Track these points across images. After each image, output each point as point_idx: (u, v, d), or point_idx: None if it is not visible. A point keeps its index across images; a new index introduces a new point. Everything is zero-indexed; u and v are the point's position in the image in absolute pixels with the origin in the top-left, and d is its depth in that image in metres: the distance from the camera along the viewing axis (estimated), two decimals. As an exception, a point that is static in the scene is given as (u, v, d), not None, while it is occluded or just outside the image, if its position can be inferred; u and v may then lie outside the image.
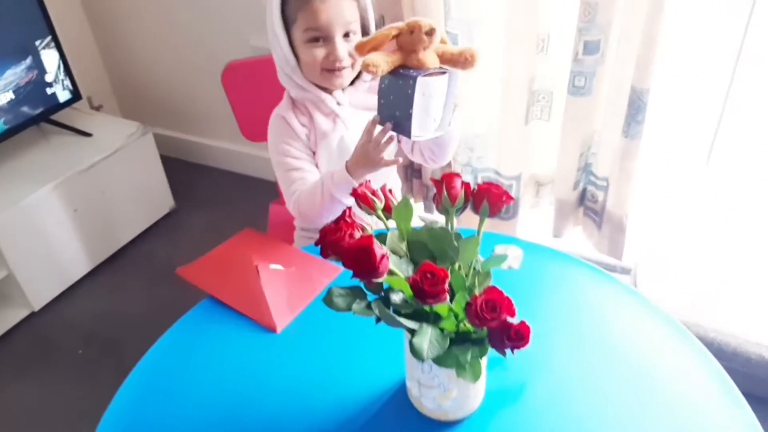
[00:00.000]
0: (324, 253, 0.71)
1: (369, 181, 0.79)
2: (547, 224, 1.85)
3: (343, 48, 1.10)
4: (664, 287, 1.28)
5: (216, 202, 2.36)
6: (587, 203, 1.79)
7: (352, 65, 1.13)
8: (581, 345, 0.93)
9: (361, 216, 0.79)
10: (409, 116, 0.89)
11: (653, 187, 1.76)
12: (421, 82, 0.87)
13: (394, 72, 0.89)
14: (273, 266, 1.08)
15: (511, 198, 0.77)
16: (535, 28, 1.53)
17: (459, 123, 1.12)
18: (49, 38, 1.94)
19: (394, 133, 0.98)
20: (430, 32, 0.87)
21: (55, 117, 2.07)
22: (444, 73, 0.91)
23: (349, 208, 0.73)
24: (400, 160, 1.07)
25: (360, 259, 0.64)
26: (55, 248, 1.91)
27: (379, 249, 0.64)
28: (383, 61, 0.87)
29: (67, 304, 1.97)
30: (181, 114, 2.52)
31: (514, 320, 0.61)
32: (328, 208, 1.10)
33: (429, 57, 0.89)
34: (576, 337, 0.94)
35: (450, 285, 0.76)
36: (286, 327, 0.99)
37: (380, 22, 1.68)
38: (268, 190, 1.39)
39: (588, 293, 1.04)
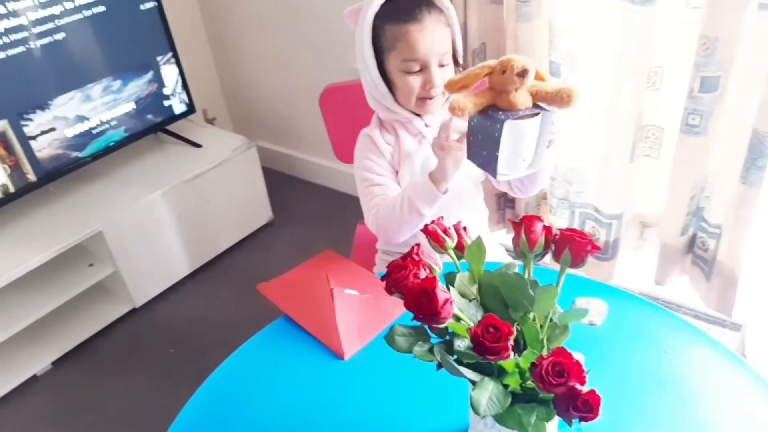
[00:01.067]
0: (388, 290, 0.69)
1: (441, 218, 0.76)
2: (650, 270, 1.73)
3: (439, 77, 1.09)
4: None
5: (312, 217, 2.41)
6: (696, 251, 1.65)
7: (444, 92, 1.12)
8: (671, 419, 0.84)
9: (430, 254, 0.76)
10: (496, 158, 0.87)
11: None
12: (509, 126, 0.84)
13: (483, 111, 0.86)
14: (348, 291, 1.07)
15: (597, 248, 0.72)
16: (647, 60, 1.43)
17: (551, 157, 1.06)
18: (170, 54, 2.08)
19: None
20: (523, 73, 0.83)
21: (170, 127, 2.21)
22: (537, 114, 0.87)
23: (418, 245, 0.71)
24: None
25: (421, 301, 0.61)
26: (158, 250, 2.03)
27: (443, 293, 0.61)
28: (470, 103, 0.85)
29: (165, 304, 2.08)
30: (286, 129, 2.61)
31: (584, 388, 0.56)
32: (408, 221, 1.09)
33: (521, 97, 0.85)
34: (665, 409, 0.85)
35: (522, 336, 0.71)
36: (354, 355, 0.98)
37: (482, 50, 1.65)
38: (361, 210, 1.43)
39: (685, 358, 0.94)
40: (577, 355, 0.73)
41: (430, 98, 1.11)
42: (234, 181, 2.19)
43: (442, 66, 1.10)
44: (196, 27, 2.55)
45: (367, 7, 1.09)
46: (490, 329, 0.57)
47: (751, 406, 0.86)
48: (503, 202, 1.90)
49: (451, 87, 0.88)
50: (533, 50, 1.55)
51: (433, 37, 1.07)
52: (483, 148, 0.89)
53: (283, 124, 2.61)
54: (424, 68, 1.09)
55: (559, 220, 1.78)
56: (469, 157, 0.94)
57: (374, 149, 1.18)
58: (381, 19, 1.09)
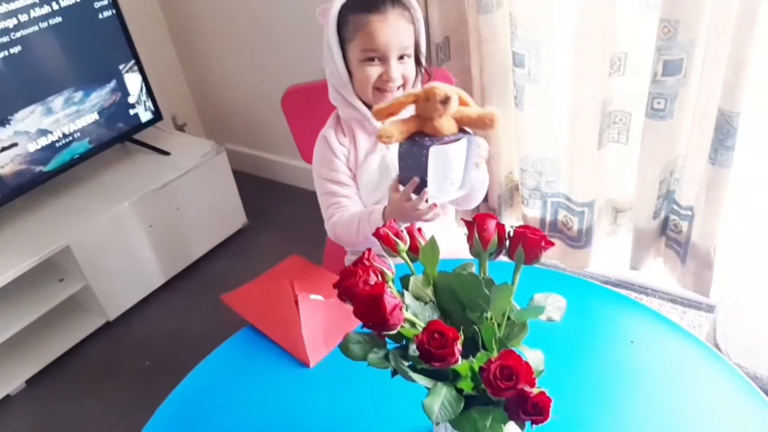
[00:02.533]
0: (340, 297, 0.67)
1: (394, 219, 0.75)
2: (626, 255, 1.72)
3: (397, 69, 1.09)
4: (751, 332, 1.14)
5: (286, 220, 2.39)
6: (669, 233, 1.65)
7: (404, 87, 1.13)
8: (638, 411, 0.83)
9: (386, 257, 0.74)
10: (425, 182, 0.93)
11: (744, 219, 1.59)
12: (435, 152, 0.89)
13: (411, 138, 0.91)
14: (314, 296, 1.05)
15: (550, 243, 0.70)
16: (609, 46, 1.42)
17: (485, 176, 1.15)
18: (132, 62, 2.04)
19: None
20: (445, 100, 0.88)
21: (138, 136, 2.17)
22: (461, 138, 0.92)
23: (369, 250, 0.69)
24: (439, 212, 1.04)
25: (370, 309, 0.59)
26: (129, 262, 2.00)
27: (391, 299, 0.59)
28: (396, 130, 0.90)
29: (140, 316, 2.04)
30: (257, 132, 2.58)
31: (534, 390, 0.54)
32: (362, 242, 1.12)
33: (445, 123, 0.90)
34: (631, 401, 0.84)
35: (480, 337, 0.70)
36: (320, 362, 0.96)
37: (445, 44, 1.63)
38: None
39: (652, 348, 0.93)
40: (536, 353, 0.71)
41: (387, 91, 1.11)
42: (205, 188, 2.16)
43: (401, 59, 1.10)
44: (161, 32, 2.50)
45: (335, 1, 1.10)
46: (435, 335, 0.55)
47: (720, 395, 0.85)
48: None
49: (379, 115, 0.93)
50: (496, 42, 1.54)
51: (394, 30, 1.07)
52: (413, 172, 0.94)
53: (254, 127, 2.58)
54: (383, 60, 1.09)
55: (531, 210, 1.77)
56: (401, 181, 0.99)
57: (328, 152, 1.18)
58: (346, 10, 1.09)
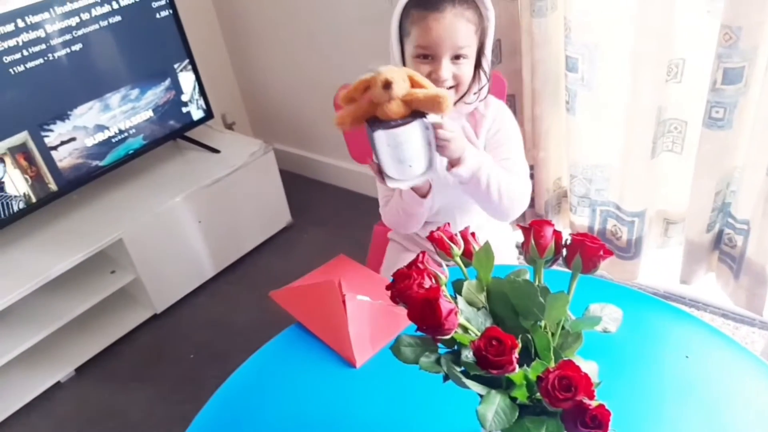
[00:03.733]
0: (393, 299, 0.67)
1: (448, 224, 0.74)
2: (676, 268, 1.68)
3: (447, 69, 1.08)
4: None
5: (330, 219, 2.41)
6: (723, 248, 1.60)
7: (456, 88, 1.11)
8: (693, 427, 0.81)
9: (439, 261, 0.74)
10: (380, 165, 0.96)
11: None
12: (380, 135, 0.91)
13: (368, 122, 0.93)
14: (360, 297, 1.06)
15: (609, 253, 0.69)
16: (666, 53, 1.39)
17: (523, 190, 1.15)
18: (186, 61, 2.09)
19: None
20: (386, 85, 0.89)
21: (189, 133, 2.22)
22: (409, 122, 0.92)
23: (423, 252, 0.69)
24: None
25: (425, 312, 0.59)
26: (178, 256, 2.04)
27: (447, 303, 0.59)
28: (349, 117, 0.93)
29: (187, 309, 2.09)
30: (304, 132, 2.61)
31: (593, 402, 0.53)
32: (405, 221, 1.19)
33: (394, 107, 0.91)
34: (686, 417, 0.82)
35: (534, 345, 0.69)
36: (366, 362, 0.96)
37: (497, 46, 1.62)
38: (377, 210, 1.43)
39: (707, 363, 0.90)
40: (591, 364, 0.70)
41: None
42: (252, 186, 2.19)
43: (456, 59, 1.08)
44: (214, 33, 2.56)
45: None
46: (493, 342, 0.55)
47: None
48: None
49: (342, 100, 0.95)
50: (549, 45, 1.52)
51: (449, 29, 1.05)
52: (375, 157, 0.97)
53: (301, 127, 2.61)
54: (435, 58, 1.08)
55: (579, 218, 1.74)
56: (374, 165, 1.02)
57: None
58: (410, 5, 1.09)
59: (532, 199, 1.85)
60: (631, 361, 0.88)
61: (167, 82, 2.06)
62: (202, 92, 2.17)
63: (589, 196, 1.68)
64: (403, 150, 0.94)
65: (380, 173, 1.00)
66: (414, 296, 0.62)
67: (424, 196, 1.12)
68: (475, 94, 1.15)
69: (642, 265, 1.71)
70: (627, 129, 1.51)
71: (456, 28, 1.06)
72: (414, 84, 0.93)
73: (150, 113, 2.04)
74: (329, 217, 2.43)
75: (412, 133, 0.93)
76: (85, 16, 1.81)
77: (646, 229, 1.64)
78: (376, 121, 0.92)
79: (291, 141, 2.68)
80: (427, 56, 1.08)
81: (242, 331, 1.96)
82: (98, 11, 1.84)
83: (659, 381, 0.87)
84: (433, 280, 0.66)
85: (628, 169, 1.56)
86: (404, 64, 1.12)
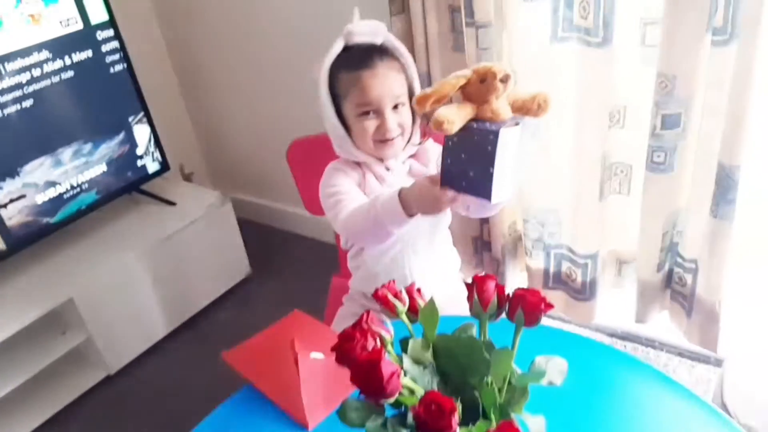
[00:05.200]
0: (338, 361, 0.67)
1: (394, 281, 0.74)
2: (631, 307, 1.70)
3: (393, 120, 1.11)
4: (760, 391, 1.12)
5: (291, 269, 2.39)
6: (674, 286, 1.63)
7: (402, 134, 1.14)
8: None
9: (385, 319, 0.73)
10: (490, 176, 0.77)
11: (749, 273, 1.57)
12: (504, 136, 0.76)
13: (464, 127, 0.79)
14: (314, 354, 1.04)
15: (550, 306, 0.70)
16: (608, 100, 1.45)
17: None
18: (141, 114, 2.08)
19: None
20: (506, 78, 0.78)
21: (145, 186, 2.19)
22: (517, 124, 0.80)
23: (368, 312, 0.69)
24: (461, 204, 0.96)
25: (367, 376, 0.58)
26: (133, 313, 1.99)
27: (389, 366, 0.59)
28: (456, 116, 0.78)
29: (141, 370, 2.02)
30: (264, 181, 2.61)
31: (533, 463, 0.53)
32: (373, 231, 1.05)
33: (503, 107, 0.79)
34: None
35: (481, 402, 0.69)
36: (320, 423, 0.94)
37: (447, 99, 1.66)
38: (337, 261, 1.42)
39: (658, 411, 0.90)
40: (538, 419, 0.70)
41: (388, 140, 1.12)
42: (209, 238, 2.17)
43: (396, 108, 1.11)
44: (169, 83, 2.56)
45: (325, 57, 1.13)
46: (432, 407, 0.55)
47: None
48: (480, 246, 1.89)
49: (422, 103, 0.82)
50: (496, 96, 1.56)
51: (385, 81, 1.09)
52: (470, 167, 0.80)
53: (261, 176, 2.61)
54: (377, 112, 1.10)
55: (535, 261, 1.77)
56: (445, 183, 0.85)
57: (341, 174, 1.17)
58: (337, 68, 1.12)
59: (489, 244, 1.87)
60: (580, 412, 0.88)
61: (121, 135, 2.05)
62: (158, 144, 2.16)
63: (542, 239, 1.71)
64: (508, 157, 0.80)
65: (463, 188, 0.85)
66: (356, 358, 0.61)
67: (411, 214, 1.00)
68: (423, 134, 1.18)
69: (598, 306, 1.73)
70: (574, 173, 1.55)
71: (391, 79, 1.10)
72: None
73: (104, 167, 2.02)
74: (289, 265, 2.41)
75: (518, 139, 0.80)
76: (36, 72, 1.80)
77: (599, 270, 1.67)
78: (481, 121, 0.80)
79: (250, 189, 2.67)
80: (369, 112, 1.10)
81: (200, 391, 1.88)
82: (50, 67, 1.83)
83: (610, 430, 0.87)
84: (377, 341, 0.66)
85: (578, 213, 1.60)
86: (344, 125, 1.13)
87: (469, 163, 0.80)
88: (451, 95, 0.82)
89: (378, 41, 1.12)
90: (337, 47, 1.12)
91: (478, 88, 0.81)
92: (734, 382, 1.14)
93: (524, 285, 1.82)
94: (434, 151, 1.21)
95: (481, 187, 0.80)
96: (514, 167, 0.82)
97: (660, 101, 1.36)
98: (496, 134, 0.76)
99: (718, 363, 1.67)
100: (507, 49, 1.52)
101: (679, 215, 1.53)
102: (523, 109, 0.82)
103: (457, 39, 1.61)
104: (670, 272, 1.62)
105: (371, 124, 1.11)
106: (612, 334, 1.84)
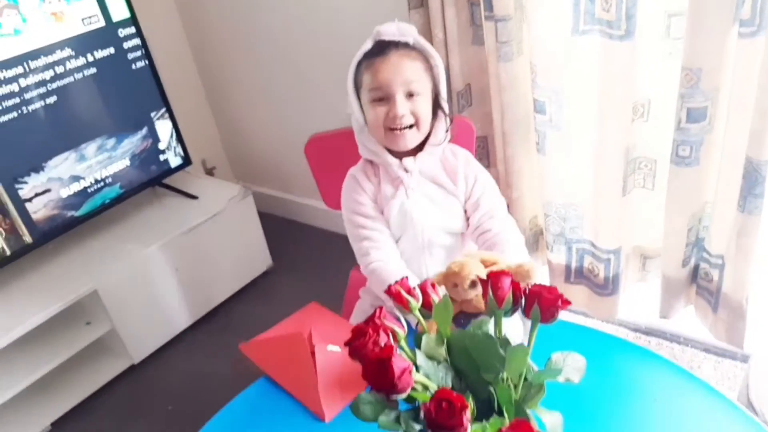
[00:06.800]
0: (351, 356, 0.66)
1: (406, 277, 0.74)
2: (655, 302, 1.68)
3: (403, 106, 1.09)
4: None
5: (311, 262, 2.39)
6: (700, 282, 1.60)
7: (417, 126, 1.12)
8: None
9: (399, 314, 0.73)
10: None
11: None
12: None
13: (455, 320, 0.84)
14: (331, 347, 1.04)
15: (567, 302, 0.69)
16: (632, 93, 1.42)
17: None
18: (163, 110, 2.10)
19: None
20: (473, 284, 0.85)
21: (168, 180, 2.22)
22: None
23: (380, 308, 0.68)
24: None
25: (378, 372, 0.58)
26: (155, 305, 2.02)
27: (400, 362, 0.58)
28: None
29: (164, 360, 2.05)
30: (285, 175, 2.62)
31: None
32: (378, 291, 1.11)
33: (480, 299, 0.84)
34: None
35: (496, 398, 0.68)
36: (336, 416, 0.95)
37: (466, 91, 1.65)
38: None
39: (675, 407, 0.89)
40: (554, 415, 0.69)
41: (398, 129, 1.11)
42: (231, 231, 2.18)
43: (411, 96, 1.10)
44: (192, 79, 2.58)
45: (357, 53, 1.14)
46: (443, 404, 0.54)
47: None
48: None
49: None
50: (516, 88, 1.55)
51: (396, 66, 1.09)
52: None
53: (282, 170, 2.62)
54: (388, 97, 1.10)
55: (557, 256, 1.75)
56: None
57: (358, 188, 1.19)
58: (360, 62, 1.13)
59: (510, 238, 1.85)
60: (597, 409, 0.87)
61: (144, 130, 2.07)
62: (180, 139, 2.18)
63: (564, 234, 1.69)
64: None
65: None
66: (368, 355, 0.61)
67: None
68: (447, 132, 1.17)
69: (621, 301, 1.70)
70: (597, 167, 1.53)
71: (403, 65, 1.09)
72: (486, 264, 0.90)
73: (127, 162, 2.04)
74: (310, 259, 2.42)
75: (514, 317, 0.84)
76: (59, 69, 1.83)
77: (622, 266, 1.64)
78: (468, 315, 0.87)
79: (272, 183, 2.68)
80: (382, 99, 1.10)
81: (221, 381, 1.91)
82: (73, 64, 1.85)
83: (627, 427, 0.86)
84: (390, 337, 0.65)
85: (601, 207, 1.57)
86: (363, 114, 1.15)
87: None
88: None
89: (407, 42, 1.12)
90: (367, 46, 1.13)
91: (455, 291, 0.87)
92: (760, 378, 1.11)
93: (545, 280, 1.80)
94: (464, 168, 1.18)
95: None
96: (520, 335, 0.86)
97: (685, 94, 1.33)
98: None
99: (745, 359, 1.63)
100: (527, 42, 1.50)
101: (704, 210, 1.49)
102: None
103: (477, 33, 1.59)
104: (696, 267, 1.58)
105: (382, 110, 1.10)
106: (636, 329, 1.81)
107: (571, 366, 0.70)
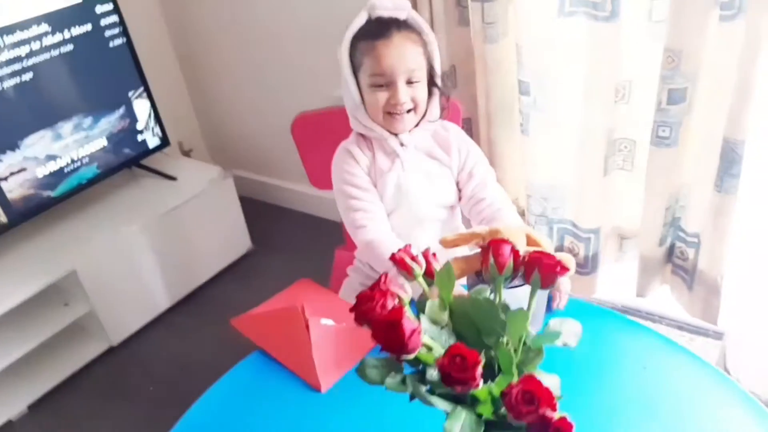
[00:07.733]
0: (357, 321, 0.67)
1: (409, 245, 0.75)
2: (632, 282, 1.72)
3: (405, 93, 1.11)
4: (762, 359, 1.14)
5: (292, 245, 2.39)
6: (676, 260, 1.65)
7: (415, 110, 1.14)
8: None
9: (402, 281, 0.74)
10: None
11: (752, 246, 1.59)
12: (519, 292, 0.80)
13: (479, 274, 0.84)
14: (324, 321, 1.05)
15: (566, 269, 0.71)
16: (615, 75, 1.45)
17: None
18: (141, 89, 2.07)
19: None
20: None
21: (145, 161, 2.18)
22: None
23: (386, 274, 0.69)
24: None
25: (388, 333, 0.59)
26: (134, 287, 2.00)
27: (410, 323, 0.60)
28: (458, 269, 0.82)
29: (144, 341, 2.04)
30: (264, 158, 2.60)
31: (555, 414, 0.54)
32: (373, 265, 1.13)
33: None
34: (645, 428, 0.84)
35: (497, 362, 0.70)
36: (332, 386, 0.96)
37: (452, 72, 1.66)
38: (340, 235, 1.43)
39: (664, 374, 0.92)
40: (553, 378, 0.71)
41: (397, 114, 1.12)
42: (211, 213, 2.17)
43: (411, 83, 1.11)
44: (169, 59, 2.54)
45: (349, 28, 1.13)
46: (457, 359, 0.56)
47: (732, 421, 0.85)
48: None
49: (445, 245, 0.91)
50: (501, 70, 1.56)
51: (400, 53, 1.09)
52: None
53: (261, 153, 2.60)
54: (390, 84, 1.10)
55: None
56: None
57: (351, 161, 1.18)
58: (357, 39, 1.12)
59: (492, 219, 1.88)
60: (591, 374, 0.90)
61: (121, 110, 2.03)
62: (158, 119, 2.15)
63: (546, 214, 1.72)
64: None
65: None
66: (377, 317, 0.62)
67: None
68: (443, 110, 1.19)
69: (599, 280, 1.75)
70: (579, 149, 1.56)
71: (406, 51, 1.10)
72: (530, 242, 0.89)
73: (104, 142, 2.01)
74: (290, 242, 2.42)
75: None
76: (35, 45, 1.78)
77: (602, 245, 1.68)
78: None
79: (250, 167, 2.66)
80: (382, 84, 1.11)
81: (202, 362, 1.90)
82: (49, 41, 1.81)
83: (619, 393, 0.89)
84: (396, 300, 0.66)
85: (582, 188, 1.61)
86: (361, 95, 1.14)
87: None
88: (466, 244, 0.91)
89: (402, 16, 1.11)
90: (360, 19, 1.12)
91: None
92: (735, 349, 1.16)
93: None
94: (456, 140, 1.21)
95: None
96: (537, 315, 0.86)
97: (666, 75, 1.36)
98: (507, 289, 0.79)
99: (718, 336, 1.69)
100: (513, 23, 1.51)
101: (681, 190, 1.54)
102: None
103: (463, 13, 1.60)
104: (672, 246, 1.63)
105: (383, 95, 1.11)
106: (612, 307, 1.85)
107: (569, 331, 0.72)
